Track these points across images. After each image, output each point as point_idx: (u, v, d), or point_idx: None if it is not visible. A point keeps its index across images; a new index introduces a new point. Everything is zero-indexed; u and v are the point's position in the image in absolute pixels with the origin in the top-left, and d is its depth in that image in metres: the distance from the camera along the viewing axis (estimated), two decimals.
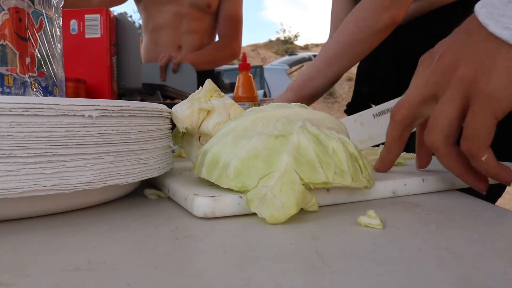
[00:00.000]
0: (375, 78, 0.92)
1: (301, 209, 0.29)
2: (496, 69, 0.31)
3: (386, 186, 0.36)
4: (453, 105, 0.33)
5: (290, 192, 0.28)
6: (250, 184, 0.28)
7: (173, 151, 0.56)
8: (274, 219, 0.27)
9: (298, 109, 0.35)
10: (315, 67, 0.81)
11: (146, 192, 0.38)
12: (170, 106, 0.41)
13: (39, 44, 0.41)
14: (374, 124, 0.53)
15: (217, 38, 1.71)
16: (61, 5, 0.46)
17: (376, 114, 0.53)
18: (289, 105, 0.35)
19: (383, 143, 0.56)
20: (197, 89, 0.42)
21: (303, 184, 0.28)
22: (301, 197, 0.28)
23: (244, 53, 1.11)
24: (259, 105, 0.92)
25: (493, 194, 0.73)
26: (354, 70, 1.05)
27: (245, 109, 0.39)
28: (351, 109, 0.99)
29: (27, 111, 0.26)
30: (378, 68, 0.90)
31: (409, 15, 0.82)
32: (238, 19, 1.64)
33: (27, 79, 0.40)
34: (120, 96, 0.93)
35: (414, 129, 0.40)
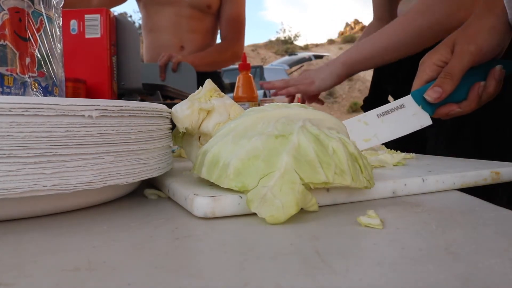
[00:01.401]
0: (398, 76, 0.91)
1: (301, 209, 0.29)
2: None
3: (386, 186, 0.36)
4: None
5: (290, 192, 0.28)
6: (250, 184, 0.28)
7: (173, 151, 0.56)
8: (274, 219, 0.27)
9: (298, 109, 0.35)
10: (373, 47, 0.78)
11: (146, 192, 0.38)
12: (170, 106, 0.41)
13: (39, 44, 0.41)
14: (379, 123, 0.54)
15: (219, 38, 1.70)
16: (61, 5, 0.46)
17: (380, 114, 0.54)
18: (289, 105, 0.35)
19: (384, 144, 0.56)
20: (197, 89, 0.42)
21: (303, 184, 0.28)
22: (301, 197, 0.28)
23: (244, 53, 1.11)
24: (259, 105, 0.92)
25: None
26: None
27: (245, 109, 0.39)
28: (368, 104, 1.00)
29: (27, 111, 0.26)
30: (403, 66, 0.90)
31: None
32: (240, 21, 1.61)
33: (27, 79, 0.40)
34: (120, 96, 0.93)
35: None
